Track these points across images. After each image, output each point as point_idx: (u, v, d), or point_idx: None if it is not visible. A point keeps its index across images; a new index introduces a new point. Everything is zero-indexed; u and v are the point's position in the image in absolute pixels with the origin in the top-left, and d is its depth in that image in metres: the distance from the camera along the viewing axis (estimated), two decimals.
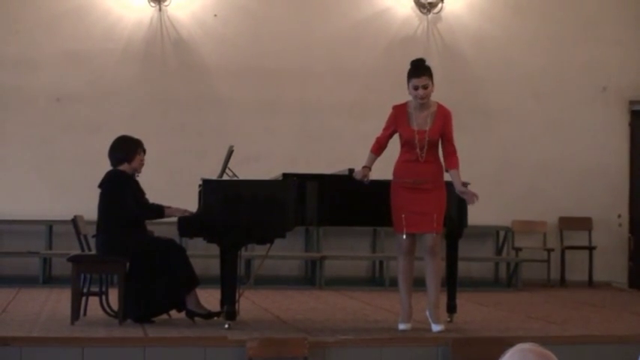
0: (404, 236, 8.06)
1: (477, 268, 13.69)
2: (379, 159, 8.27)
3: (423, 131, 8.08)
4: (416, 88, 8.10)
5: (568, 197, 13.84)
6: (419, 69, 8.18)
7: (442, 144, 8.19)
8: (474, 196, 8.11)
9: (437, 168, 8.19)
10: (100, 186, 8.70)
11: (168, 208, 8.63)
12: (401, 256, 8.20)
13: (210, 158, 11.82)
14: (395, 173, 8.20)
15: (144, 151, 8.91)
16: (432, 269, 8.17)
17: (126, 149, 8.79)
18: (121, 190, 8.60)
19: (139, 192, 8.79)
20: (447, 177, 8.31)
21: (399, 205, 8.09)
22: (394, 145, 8.34)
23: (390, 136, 8.27)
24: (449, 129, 8.19)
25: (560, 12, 13.99)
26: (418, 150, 8.07)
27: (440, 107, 8.21)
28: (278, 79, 13.45)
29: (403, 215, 8.03)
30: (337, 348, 7.54)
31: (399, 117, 8.18)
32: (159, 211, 8.66)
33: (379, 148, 8.25)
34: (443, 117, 8.17)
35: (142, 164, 8.93)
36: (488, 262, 13.87)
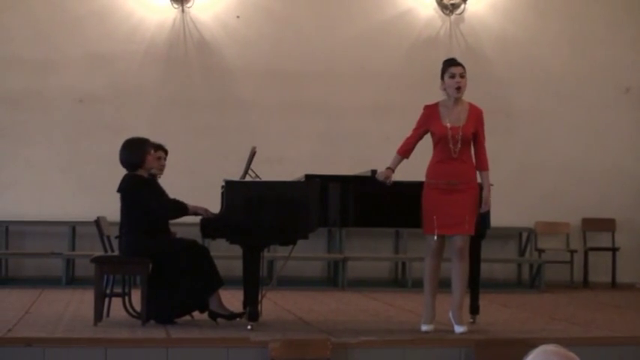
0: (435, 237, 8.01)
1: (499, 270, 13.66)
2: (406, 161, 8.20)
3: (457, 127, 7.99)
4: (453, 76, 8.01)
5: (591, 198, 13.79)
6: (455, 60, 8.20)
7: (474, 144, 8.13)
8: (487, 206, 8.16)
9: (470, 168, 8.09)
10: (119, 191, 8.66)
11: (193, 206, 8.53)
12: (429, 257, 8.12)
13: (233, 160, 11.81)
14: (428, 174, 8.11)
15: (154, 148, 8.78)
16: (460, 271, 8.10)
17: (134, 154, 8.57)
18: (140, 195, 8.50)
19: (159, 192, 8.65)
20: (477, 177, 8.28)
21: (431, 207, 8.00)
22: (421, 147, 8.26)
23: (420, 136, 8.16)
24: (482, 129, 8.13)
25: (583, 13, 13.95)
26: (451, 145, 7.99)
27: (472, 106, 8.15)
28: (301, 81, 13.46)
29: (435, 217, 7.96)
30: (360, 349, 7.53)
31: (431, 116, 8.10)
32: (182, 208, 8.45)
33: (406, 150, 8.15)
34: (476, 115, 8.10)
35: (158, 162, 8.90)
36: (511, 263, 13.84)
